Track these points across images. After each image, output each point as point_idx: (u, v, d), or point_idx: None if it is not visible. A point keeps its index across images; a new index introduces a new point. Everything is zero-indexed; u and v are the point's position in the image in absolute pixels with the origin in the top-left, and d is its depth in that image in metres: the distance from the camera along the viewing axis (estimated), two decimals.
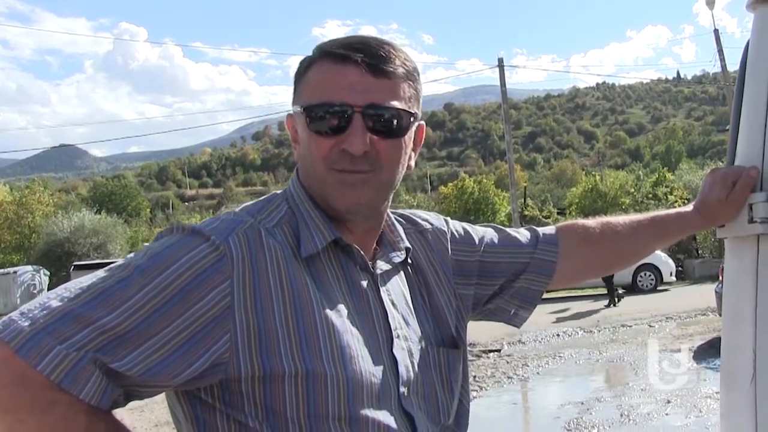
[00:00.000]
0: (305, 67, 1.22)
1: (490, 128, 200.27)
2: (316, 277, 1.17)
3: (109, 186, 65.55)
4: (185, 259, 1.07)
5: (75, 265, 25.62)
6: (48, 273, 27.52)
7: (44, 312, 1.00)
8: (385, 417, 1.15)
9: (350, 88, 1.15)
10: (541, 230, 1.52)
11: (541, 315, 14.83)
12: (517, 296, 1.47)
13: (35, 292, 26.03)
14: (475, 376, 9.46)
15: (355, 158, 1.15)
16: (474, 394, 8.56)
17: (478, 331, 11.86)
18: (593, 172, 43.65)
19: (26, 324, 0.98)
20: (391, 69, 1.17)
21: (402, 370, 1.21)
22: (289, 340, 1.09)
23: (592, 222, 1.56)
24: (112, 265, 1.10)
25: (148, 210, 68.02)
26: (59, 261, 30.96)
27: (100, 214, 37.95)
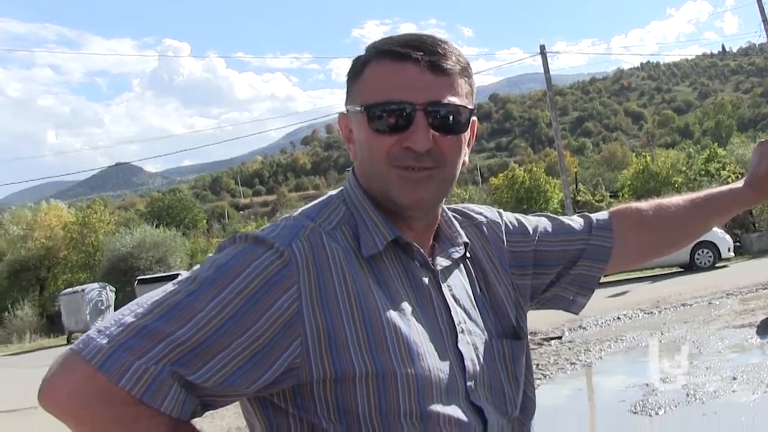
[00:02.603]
0: (361, 66, 1.23)
1: (536, 116, 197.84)
2: (379, 277, 1.18)
3: (166, 200, 66.71)
4: (252, 267, 1.08)
5: (138, 280, 26.25)
6: (114, 289, 28.09)
7: (120, 329, 1.03)
8: (454, 411, 1.17)
9: (410, 86, 1.16)
10: (594, 216, 1.52)
11: (601, 299, 14.70)
12: (574, 283, 1.47)
13: (103, 308, 26.70)
14: (538, 364, 9.45)
15: (419, 155, 1.17)
16: (538, 382, 8.56)
17: (539, 320, 11.84)
18: (643, 153, 42.83)
19: (105, 341, 1.02)
20: (449, 66, 1.19)
21: (468, 364, 1.22)
22: (358, 341, 1.11)
23: (645, 204, 1.55)
24: (179, 279, 1.12)
25: (205, 221, 69.06)
26: (124, 276, 31.66)
27: (158, 228, 38.77)
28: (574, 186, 36.61)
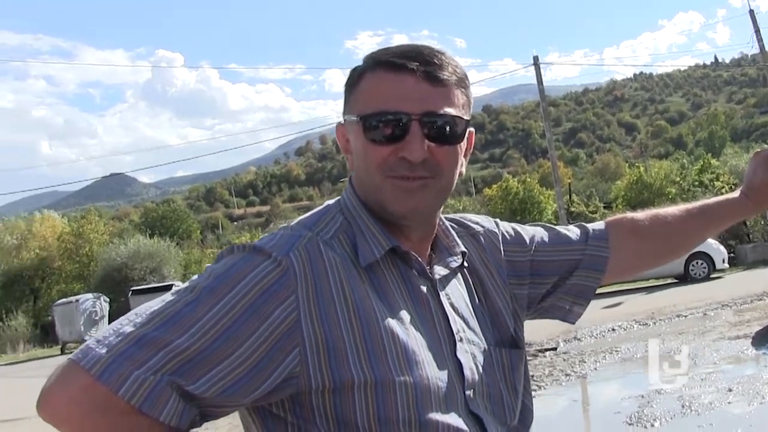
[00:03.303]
0: (357, 76, 1.23)
1: (530, 127, 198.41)
2: (377, 286, 1.18)
3: (160, 210, 66.40)
4: (250, 277, 1.08)
5: (133, 290, 26.26)
6: (108, 299, 28.12)
7: (119, 338, 1.03)
8: (453, 420, 1.16)
9: (407, 96, 1.16)
10: (590, 226, 1.53)
11: (596, 310, 14.73)
12: (570, 293, 1.47)
13: (97, 318, 26.67)
14: (533, 376, 9.40)
15: (414, 165, 1.17)
16: (533, 393, 8.60)
17: (534, 331, 11.82)
18: (637, 164, 43.17)
19: (104, 351, 1.01)
20: (446, 76, 1.19)
21: (467, 373, 1.22)
22: (356, 350, 1.10)
23: (640, 215, 1.55)
24: (178, 288, 1.12)
25: (199, 231, 68.90)
26: (118, 287, 31.68)
27: (153, 238, 38.69)
28: (568, 197, 36.66)
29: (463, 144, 1.25)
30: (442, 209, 1.31)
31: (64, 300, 28.67)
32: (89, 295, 28.53)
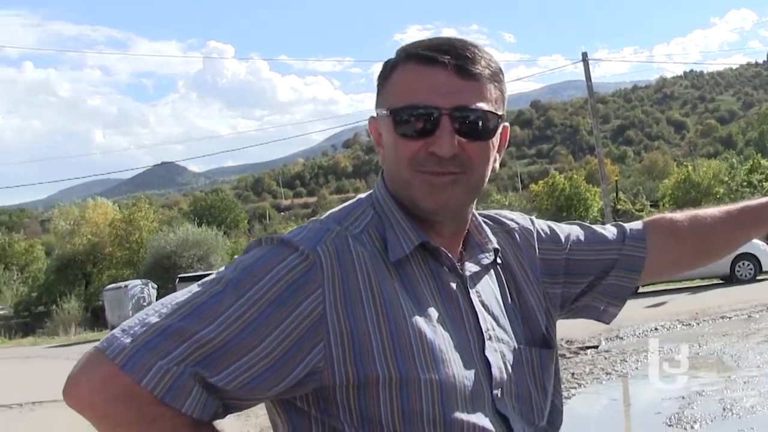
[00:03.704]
0: (389, 69, 1.21)
1: (578, 123, 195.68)
2: (405, 281, 1.16)
3: (208, 200, 67.10)
4: (276, 270, 1.08)
5: (180, 277, 26.62)
6: (156, 286, 28.55)
7: (144, 328, 1.03)
8: (479, 419, 1.15)
9: (437, 90, 1.14)
10: (628, 226, 1.49)
11: (639, 309, 14.59)
12: (606, 293, 1.44)
13: (144, 304, 27.02)
14: (573, 373, 9.48)
15: (443, 160, 1.14)
16: (573, 391, 8.62)
17: (575, 328, 11.79)
18: (685, 163, 42.49)
19: (128, 341, 1.02)
20: (478, 70, 1.16)
21: (495, 372, 1.20)
22: (382, 346, 1.09)
23: (679, 215, 1.51)
24: (205, 280, 1.12)
25: (246, 221, 69.59)
26: (166, 273, 32.20)
27: (201, 227, 39.30)
28: (615, 194, 36.28)
29: (496, 139, 1.22)
30: (476, 205, 1.29)
31: (113, 285, 29.30)
32: (138, 281, 29.11)
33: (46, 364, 18.79)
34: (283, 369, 1.06)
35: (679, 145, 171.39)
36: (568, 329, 11.65)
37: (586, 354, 11.00)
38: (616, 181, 47.76)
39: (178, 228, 38.08)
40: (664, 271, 1.53)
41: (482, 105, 1.16)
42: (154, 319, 1.04)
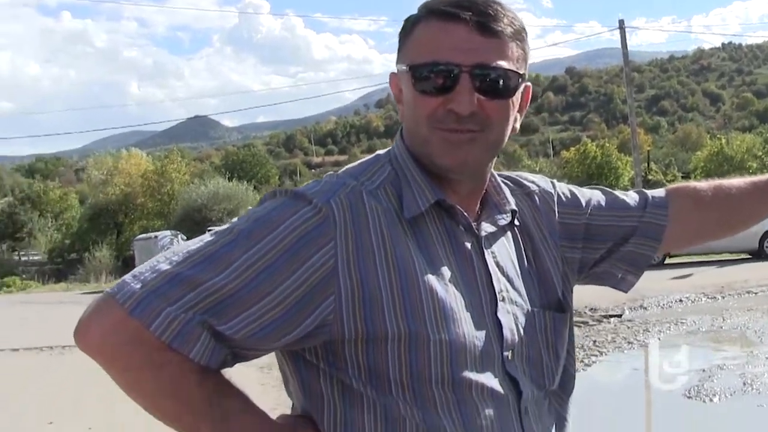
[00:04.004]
0: (411, 25, 1.19)
1: (612, 92, 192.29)
2: (420, 239, 1.15)
3: (240, 155, 66.65)
4: (289, 221, 1.07)
5: (209, 230, 26.96)
6: (185, 237, 28.77)
7: (154, 275, 1.03)
8: (488, 380, 1.14)
9: (458, 47, 1.12)
10: (650, 193, 1.46)
11: (664, 280, 14.53)
12: (624, 260, 1.41)
13: None
14: (595, 341, 9.51)
15: (462, 118, 1.13)
16: (594, 359, 8.63)
17: (599, 296, 11.68)
18: (719, 136, 41.75)
19: (138, 286, 1.02)
20: (500, 28, 1.14)
21: (506, 333, 1.19)
22: (393, 302, 1.09)
23: (704, 184, 1.47)
24: (217, 229, 1.11)
25: (277, 177, 69.45)
26: (196, 226, 32.29)
27: (232, 181, 39.55)
28: (646, 164, 35.95)
29: (517, 99, 1.20)
30: (494, 165, 1.28)
31: (144, 235, 29.89)
32: (167, 233, 29.59)
33: (78, 309, 19.11)
34: (292, 320, 1.06)
35: (714, 117, 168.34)
36: (592, 297, 11.64)
37: (609, 322, 11.00)
38: (649, 151, 47.11)
39: (209, 181, 38.36)
40: (685, 240, 1.51)
41: (503, 63, 1.14)
42: (164, 266, 1.04)
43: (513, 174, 1.41)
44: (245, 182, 41.24)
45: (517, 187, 1.36)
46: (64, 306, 20.29)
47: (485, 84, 1.14)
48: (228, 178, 41.33)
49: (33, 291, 30.19)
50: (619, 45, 27.73)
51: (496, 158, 1.26)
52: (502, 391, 1.16)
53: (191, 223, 33.48)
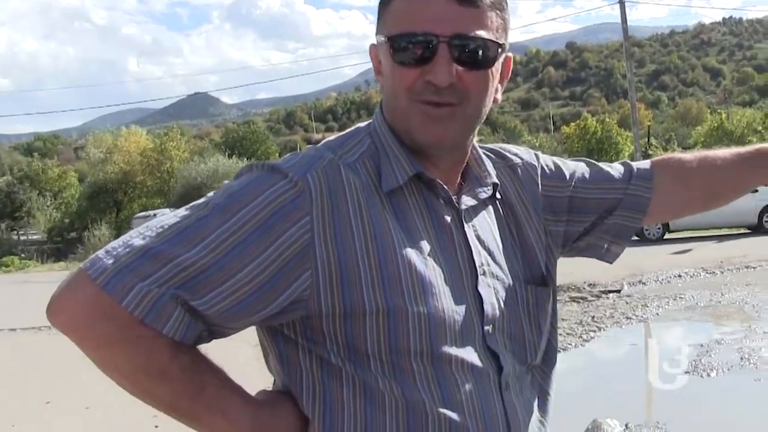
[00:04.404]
0: None
1: (613, 67, 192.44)
2: (398, 212, 1.14)
3: (240, 132, 66.30)
4: (264, 196, 1.06)
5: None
6: None
7: (127, 250, 1.02)
8: (468, 354, 1.14)
9: (436, 17, 1.10)
10: (635, 164, 1.45)
11: (663, 255, 14.60)
12: (609, 232, 1.41)
13: None
14: (593, 317, 9.52)
15: (440, 90, 1.11)
16: (592, 334, 8.64)
17: (598, 272, 11.76)
18: (719, 110, 41.67)
19: (110, 262, 1.01)
20: None
21: (487, 307, 1.18)
22: (370, 277, 1.08)
23: (689, 156, 1.46)
24: (192, 204, 1.10)
25: (277, 154, 69.53)
26: None
27: (232, 158, 39.62)
28: (647, 140, 35.91)
29: (496, 69, 1.18)
30: (475, 137, 1.26)
31: (143, 213, 29.91)
32: (167, 210, 29.34)
33: None
34: (267, 296, 1.05)
35: (715, 92, 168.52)
36: (591, 273, 11.67)
37: (607, 298, 11.01)
38: (649, 126, 47.05)
39: (209, 159, 38.46)
40: (670, 211, 1.52)
41: (482, 33, 1.12)
42: (137, 241, 1.03)
43: (496, 146, 1.39)
44: (245, 159, 41.30)
45: (500, 159, 1.35)
46: None
47: (464, 54, 1.12)
48: (228, 155, 41.43)
49: (32, 270, 30.18)
50: (619, 20, 27.57)
51: (476, 130, 1.23)
52: (481, 365, 1.15)
53: (190, 200, 31.35)
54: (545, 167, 1.39)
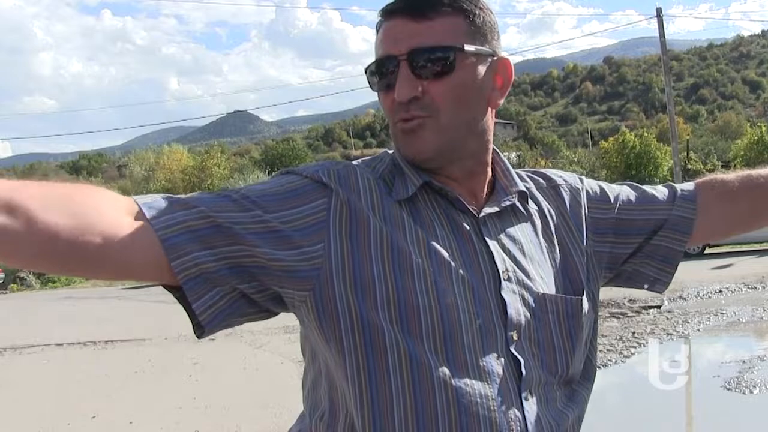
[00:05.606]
0: (376, 30, 1.22)
1: (650, 81, 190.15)
2: (415, 214, 1.17)
3: (279, 149, 66.66)
4: (285, 180, 1.15)
5: None
6: None
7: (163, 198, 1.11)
8: (486, 357, 1.13)
9: (394, 39, 1.15)
10: (679, 186, 1.45)
11: (704, 270, 14.37)
12: (655, 257, 1.39)
13: None
14: (634, 332, 9.42)
15: (406, 105, 1.15)
16: (633, 350, 8.54)
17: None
18: (759, 123, 40.87)
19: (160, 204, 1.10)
20: (433, 9, 1.15)
21: (511, 312, 1.17)
22: (383, 269, 1.10)
23: (731, 175, 1.45)
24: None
25: None
26: None
27: (271, 175, 39.69)
28: (686, 154, 35.39)
29: (470, 74, 1.18)
30: (490, 146, 1.28)
31: None
32: None
33: (120, 304, 19.59)
34: (285, 241, 1.08)
35: (754, 105, 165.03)
36: (631, 289, 11.51)
37: (648, 313, 10.89)
38: (688, 140, 46.31)
39: (248, 176, 38.90)
40: (715, 232, 1.48)
41: (438, 41, 1.14)
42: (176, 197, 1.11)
43: (542, 170, 1.43)
44: None
45: (544, 180, 1.39)
46: (107, 301, 20.72)
47: (424, 69, 1.15)
48: (267, 172, 41.84)
49: (77, 286, 30.79)
50: (656, 33, 27.35)
51: (467, 138, 1.23)
52: (501, 372, 1.15)
53: None
54: (590, 190, 1.41)
